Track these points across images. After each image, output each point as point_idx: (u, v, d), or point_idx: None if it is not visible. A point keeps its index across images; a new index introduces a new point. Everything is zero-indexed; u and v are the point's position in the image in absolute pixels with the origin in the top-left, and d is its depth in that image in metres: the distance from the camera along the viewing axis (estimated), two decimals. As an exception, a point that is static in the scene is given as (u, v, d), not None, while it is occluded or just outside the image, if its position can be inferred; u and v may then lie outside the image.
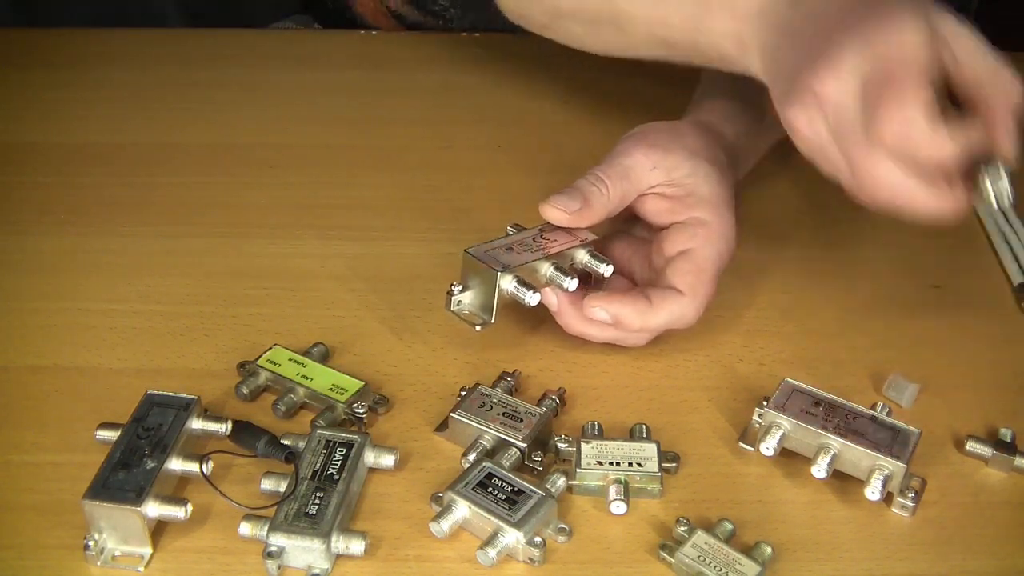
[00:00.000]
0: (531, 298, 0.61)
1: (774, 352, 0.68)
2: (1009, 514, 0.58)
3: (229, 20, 1.04)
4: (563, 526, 0.56)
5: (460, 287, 0.62)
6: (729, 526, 0.56)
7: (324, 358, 0.65)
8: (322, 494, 0.54)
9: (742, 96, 0.76)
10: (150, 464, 0.54)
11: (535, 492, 0.55)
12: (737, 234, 0.66)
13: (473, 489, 0.55)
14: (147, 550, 0.54)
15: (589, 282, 0.66)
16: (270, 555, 0.52)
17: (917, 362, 0.67)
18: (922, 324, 0.71)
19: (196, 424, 0.58)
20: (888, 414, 0.59)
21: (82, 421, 0.59)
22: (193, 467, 0.56)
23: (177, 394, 0.58)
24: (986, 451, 0.60)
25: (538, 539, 0.54)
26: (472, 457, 0.58)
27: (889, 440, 0.57)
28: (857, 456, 0.57)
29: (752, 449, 0.61)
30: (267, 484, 0.56)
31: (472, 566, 0.54)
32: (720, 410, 0.64)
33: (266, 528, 0.53)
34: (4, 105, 0.90)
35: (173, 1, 1.09)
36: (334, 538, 0.53)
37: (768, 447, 0.58)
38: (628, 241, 0.69)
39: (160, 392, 0.58)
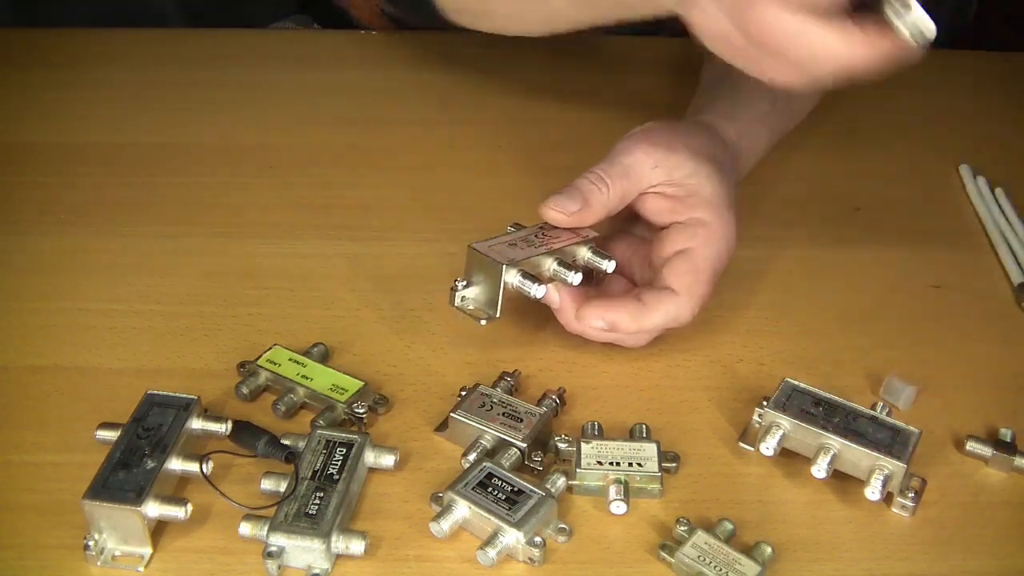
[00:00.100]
0: (537, 290, 0.61)
1: (774, 352, 0.68)
2: (1009, 514, 0.58)
3: (229, 20, 1.04)
4: (563, 526, 0.56)
5: (464, 282, 0.62)
6: (729, 526, 0.56)
7: (324, 358, 0.65)
8: (322, 494, 0.54)
9: (743, 96, 0.76)
10: (150, 464, 0.54)
11: (535, 492, 0.55)
12: (737, 235, 0.66)
13: (473, 489, 0.55)
14: (147, 550, 0.54)
15: (592, 278, 0.66)
16: (270, 555, 0.52)
17: (917, 362, 0.67)
18: (922, 324, 0.71)
19: (196, 424, 0.58)
20: (888, 414, 0.59)
21: (82, 421, 0.59)
22: (193, 467, 0.56)
23: (177, 394, 0.58)
24: (986, 451, 0.60)
25: (538, 539, 0.54)
26: (472, 457, 0.58)
27: (889, 440, 0.57)
28: (857, 456, 0.57)
29: (752, 449, 0.61)
30: (267, 484, 0.56)
31: (472, 566, 0.54)
32: (720, 410, 0.64)
33: (266, 528, 0.53)
34: (4, 105, 0.90)
35: (173, 1, 1.09)
36: (334, 538, 0.53)
37: (768, 447, 0.58)
38: (628, 241, 0.69)
39: (160, 392, 0.58)
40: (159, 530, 0.55)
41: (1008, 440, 0.61)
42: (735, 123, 0.73)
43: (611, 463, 0.58)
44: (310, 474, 0.56)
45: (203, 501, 0.56)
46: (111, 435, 0.56)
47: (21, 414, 0.62)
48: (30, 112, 0.89)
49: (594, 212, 0.63)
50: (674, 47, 0.98)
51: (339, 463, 0.56)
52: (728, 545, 0.54)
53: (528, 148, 0.87)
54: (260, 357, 0.64)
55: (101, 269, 0.73)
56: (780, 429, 0.58)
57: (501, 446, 0.59)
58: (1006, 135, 0.92)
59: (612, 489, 0.57)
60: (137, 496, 0.52)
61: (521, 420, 0.60)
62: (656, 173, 0.64)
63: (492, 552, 0.53)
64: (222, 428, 0.58)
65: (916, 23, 0.52)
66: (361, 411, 0.61)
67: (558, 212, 0.63)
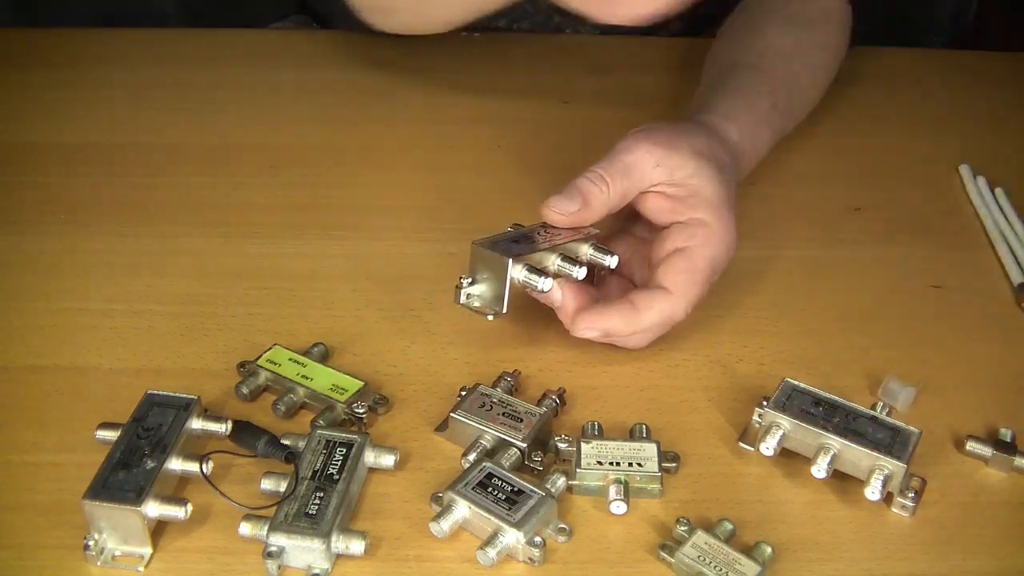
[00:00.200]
0: (544, 284, 0.60)
1: (774, 352, 0.68)
2: (1009, 514, 0.58)
3: (229, 20, 1.04)
4: (563, 526, 0.56)
5: (469, 280, 0.62)
6: (729, 526, 0.56)
7: (324, 358, 0.65)
8: (322, 494, 0.54)
9: (744, 97, 0.76)
10: (150, 464, 0.54)
11: (535, 492, 0.55)
12: (737, 236, 0.66)
13: (473, 489, 0.55)
14: (147, 550, 0.54)
15: (594, 275, 0.66)
16: (270, 555, 0.52)
17: (917, 362, 0.67)
18: (922, 324, 0.71)
19: (196, 424, 0.58)
20: (888, 414, 0.59)
21: (82, 421, 0.59)
22: (193, 467, 0.56)
23: (177, 394, 0.58)
24: (986, 451, 0.60)
25: (538, 539, 0.54)
26: (472, 457, 0.58)
27: (889, 440, 0.57)
28: (857, 456, 0.57)
29: (752, 449, 0.61)
30: (267, 484, 0.56)
31: (472, 566, 0.54)
32: (720, 410, 0.64)
33: (266, 528, 0.53)
34: (4, 105, 0.90)
35: (173, 1, 1.09)
36: (334, 538, 0.53)
37: (768, 447, 0.58)
38: (628, 241, 0.69)
39: (160, 392, 0.58)
40: (159, 530, 0.55)
41: (1008, 440, 0.61)
42: (736, 123, 0.73)
43: (611, 463, 0.58)
44: (310, 474, 0.56)
45: (203, 501, 0.56)
46: (111, 435, 0.56)
47: (21, 414, 0.62)
48: (30, 112, 0.89)
49: (594, 211, 0.63)
50: (674, 47, 0.98)
51: (339, 463, 0.56)
52: (728, 545, 0.54)
53: (528, 148, 0.87)
54: (260, 357, 0.64)
55: (101, 269, 0.73)
56: (780, 429, 0.58)
57: (501, 446, 0.59)
58: (1006, 135, 0.92)
59: (612, 489, 0.57)
60: (137, 496, 0.52)
61: (521, 420, 0.60)
62: (657, 172, 0.64)
63: (492, 552, 0.53)
64: (222, 428, 0.58)
65: None
66: (361, 411, 0.61)
67: (558, 214, 0.63)
